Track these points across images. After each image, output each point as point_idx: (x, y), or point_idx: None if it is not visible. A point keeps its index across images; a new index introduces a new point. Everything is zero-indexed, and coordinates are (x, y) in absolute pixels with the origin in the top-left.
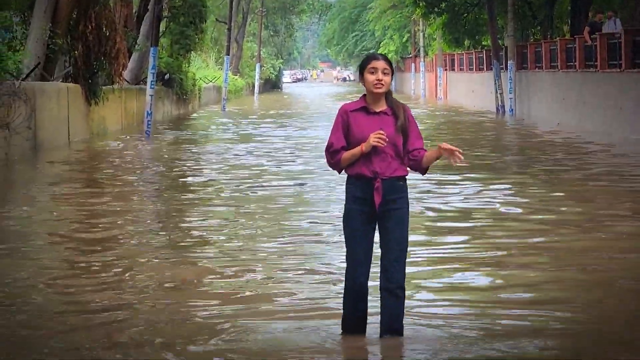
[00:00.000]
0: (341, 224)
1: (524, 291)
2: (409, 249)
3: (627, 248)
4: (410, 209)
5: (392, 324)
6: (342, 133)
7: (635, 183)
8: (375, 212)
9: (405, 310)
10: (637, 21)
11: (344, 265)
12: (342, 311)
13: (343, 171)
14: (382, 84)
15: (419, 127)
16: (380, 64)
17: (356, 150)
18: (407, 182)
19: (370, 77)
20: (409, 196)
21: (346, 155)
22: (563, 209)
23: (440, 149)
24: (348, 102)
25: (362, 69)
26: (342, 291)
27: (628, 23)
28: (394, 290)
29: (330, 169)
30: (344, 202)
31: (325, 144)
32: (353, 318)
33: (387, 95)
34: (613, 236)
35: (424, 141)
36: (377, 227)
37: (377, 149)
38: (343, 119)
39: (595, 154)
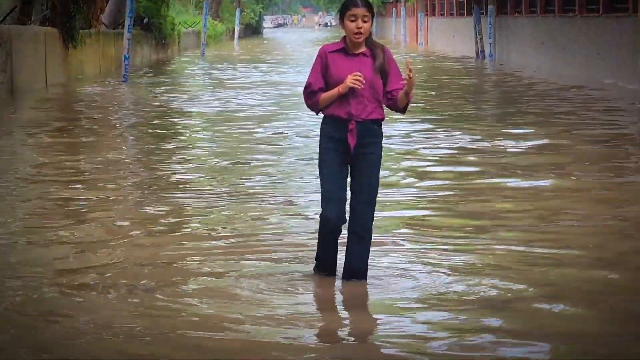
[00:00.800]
0: (316, 169)
1: (498, 242)
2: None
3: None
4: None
5: (357, 267)
6: (321, 74)
7: (605, 128)
8: (349, 155)
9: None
10: None
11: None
12: (315, 252)
13: (320, 112)
14: (361, 33)
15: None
16: (359, 11)
17: (334, 91)
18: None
19: (350, 25)
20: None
21: (324, 96)
22: (546, 155)
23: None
24: (328, 43)
25: (341, 15)
26: (316, 233)
27: None
28: (361, 233)
29: (308, 110)
30: (319, 142)
31: (304, 85)
32: (328, 258)
33: (367, 37)
34: (590, 188)
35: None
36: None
37: (355, 91)
38: (322, 60)
39: (571, 99)
